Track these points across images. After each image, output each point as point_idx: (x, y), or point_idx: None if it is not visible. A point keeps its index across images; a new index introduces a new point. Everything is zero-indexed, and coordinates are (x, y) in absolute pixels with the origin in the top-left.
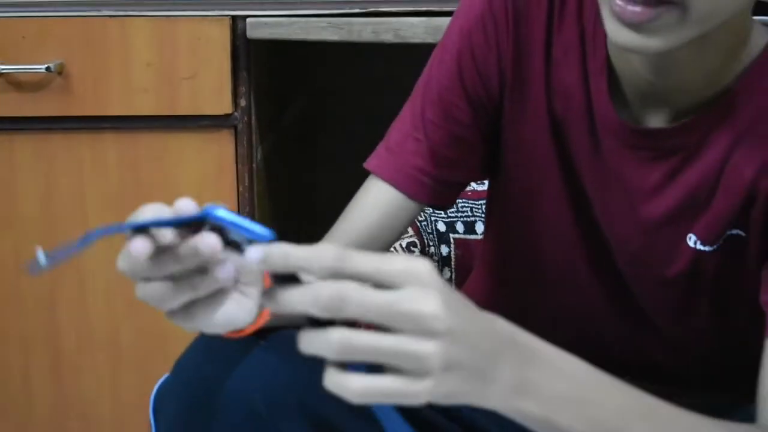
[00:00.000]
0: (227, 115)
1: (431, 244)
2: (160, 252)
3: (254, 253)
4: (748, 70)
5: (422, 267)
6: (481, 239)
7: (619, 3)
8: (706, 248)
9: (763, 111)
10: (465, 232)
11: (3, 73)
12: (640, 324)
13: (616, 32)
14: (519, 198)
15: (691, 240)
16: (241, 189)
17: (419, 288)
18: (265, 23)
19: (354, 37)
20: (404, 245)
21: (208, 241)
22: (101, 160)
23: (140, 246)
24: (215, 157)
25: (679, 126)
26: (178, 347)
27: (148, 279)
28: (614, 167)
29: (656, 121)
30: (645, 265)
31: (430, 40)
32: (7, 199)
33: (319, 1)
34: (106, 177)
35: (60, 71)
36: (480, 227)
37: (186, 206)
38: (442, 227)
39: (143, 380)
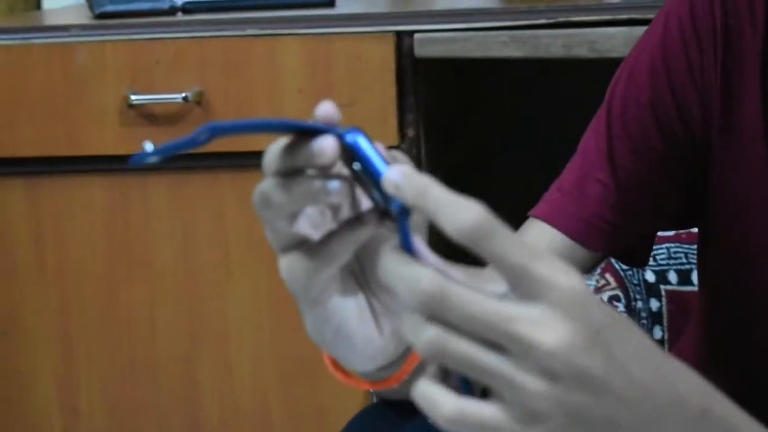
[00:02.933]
0: (392, 148)
1: (638, 297)
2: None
3: (394, 172)
4: None
5: (573, 283)
6: (697, 291)
7: None
8: None
9: None
10: (679, 283)
11: (134, 105)
12: None
13: None
14: (732, 252)
15: None
16: None
17: (551, 310)
18: (436, 39)
19: (541, 53)
20: (605, 299)
21: (322, 142)
22: (246, 200)
23: (328, 142)
24: None
25: None
26: (336, 422)
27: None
28: None
29: None
30: None
31: None
32: (142, 247)
33: (499, 11)
34: (251, 219)
35: (199, 100)
36: (696, 276)
37: (326, 110)
38: (651, 277)
39: None
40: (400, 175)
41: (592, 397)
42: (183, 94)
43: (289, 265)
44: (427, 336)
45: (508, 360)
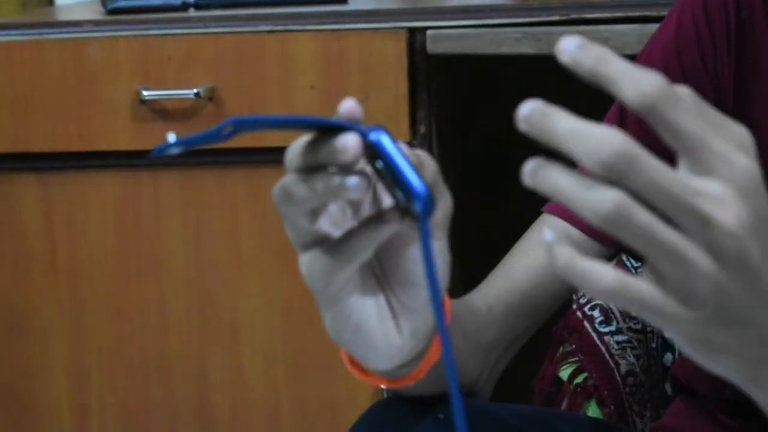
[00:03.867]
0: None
1: None
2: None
3: (569, 42)
4: None
5: (749, 164)
6: None
7: None
8: None
9: None
10: None
11: (146, 101)
12: None
13: None
14: None
15: None
16: None
17: (730, 188)
18: (449, 36)
19: (554, 50)
20: None
21: (346, 139)
22: (259, 196)
23: (351, 139)
24: None
25: None
26: (347, 418)
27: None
28: None
29: None
30: None
31: None
32: (152, 243)
33: (512, 8)
34: (263, 215)
35: (211, 96)
36: None
37: (349, 108)
38: None
39: None
40: (576, 46)
41: (747, 286)
42: (195, 90)
43: (310, 262)
44: (613, 198)
45: (685, 236)
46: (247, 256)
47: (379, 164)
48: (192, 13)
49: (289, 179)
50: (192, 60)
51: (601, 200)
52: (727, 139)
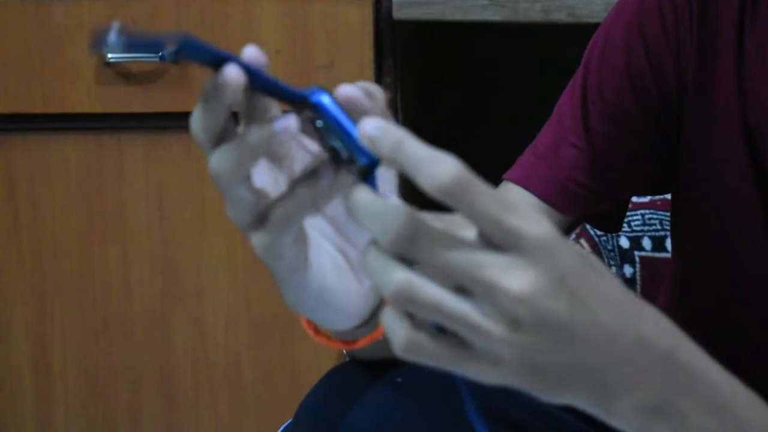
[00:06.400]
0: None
1: (612, 263)
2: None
3: (369, 125)
4: None
5: (542, 231)
6: (670, 257)
7: None
8: None
9: None
10: (653, 249)
11: (111, 63)
12: None
13: None
14: (704, 220)
15: None
16: None
17: (520, 257)
18: (414, 2)
19: (520, 17)
20: None
21: (283, 122)
22: None
23: (234, 73)
24: None
25: None
26: (308, 382)
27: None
28: None
29: None
30: None
31: None
32: (115, 207)
33: None
34: None
35: (175, 60)
36: (670, 243)
37: (251, 54)
38: (625, 243)
39: (268, 423)
40: (375, 129)
41: (554, 342)
42: (159, 53)
43: (259, 241)
44: (396, 278)
45: (473, 305)
46: (210, 220)
47: (320, 123)
48: None
49: (214, 156)
50: (157, 23)
51: (386, 282)
52: (522, 212)
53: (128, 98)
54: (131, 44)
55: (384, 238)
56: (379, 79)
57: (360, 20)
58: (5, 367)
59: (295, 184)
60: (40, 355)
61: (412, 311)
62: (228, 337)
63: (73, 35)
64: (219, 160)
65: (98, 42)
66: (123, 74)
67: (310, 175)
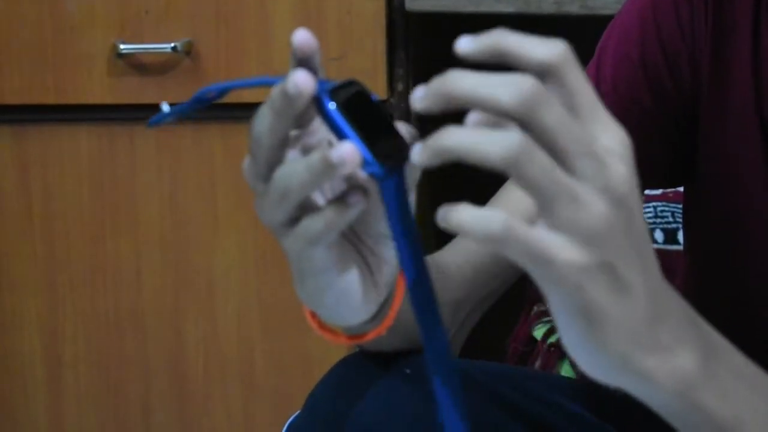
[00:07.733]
0: (381, 102)
1: None
2: None
3: (464, 43)
4: None
5: (625, 138)
6: (682, 250)
7: None
8: None
9: None
10: (665, 242)
11: (123, 54)
12: None
13: None
14: (718, 214)
15: None
16: None
17: (618, 147)
18: None
19: (532, 9)
20: None
21: (297, 77)
22: (235, 153)
23: (303, 77)
24: None
25: None
26: (320, 373)
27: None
28: None
29: None
30: None
31: None
32: (127, 198)
33: None
34: (238, 171)
35: (188, 51)
36: (682, 236)
37: (302, 39)
38: None
39: (279, 414)
40: (469, 40)
41: (634, 240)
42: (172, 44)
43: (291, 245)
44: (516, 139)
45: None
46: (222, 213)
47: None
48: None
49: (283, 170)
50: (169, 14)
51: (508, 140)
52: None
53: (141, 89)
54: (182, 111)
55: (517, 96)
56: (391, 71)
57: (372, 12)
58: (17, 358)
59: (326, 205)
60: (52, 345)
61: (524, 174)
62: (240, 329)
63: (86, 26)
64: (292, 171)
65: (156, 122)
66: (135, 65)
67: (341, 198)
